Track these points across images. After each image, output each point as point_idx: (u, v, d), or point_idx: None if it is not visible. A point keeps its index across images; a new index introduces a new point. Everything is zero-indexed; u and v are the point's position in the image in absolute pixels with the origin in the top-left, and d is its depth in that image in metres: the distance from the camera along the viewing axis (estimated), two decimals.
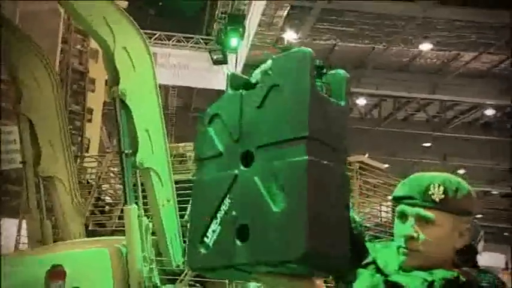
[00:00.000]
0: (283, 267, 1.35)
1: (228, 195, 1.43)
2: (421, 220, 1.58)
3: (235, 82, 1.55)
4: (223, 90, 15.21)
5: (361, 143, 17.16)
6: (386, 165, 7.21)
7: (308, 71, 1.42)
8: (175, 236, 5.39)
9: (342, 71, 1.55)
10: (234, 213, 1.40)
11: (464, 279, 1.53)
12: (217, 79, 14.93)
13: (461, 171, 21.38)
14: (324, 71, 1.51)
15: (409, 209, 1.61)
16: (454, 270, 1.56)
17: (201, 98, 18.57)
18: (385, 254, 1.67)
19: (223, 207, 1.43)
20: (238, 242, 1.37)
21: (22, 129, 6.09)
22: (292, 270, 1.36)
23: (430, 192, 1.57)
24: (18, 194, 6.83)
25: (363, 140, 18.26)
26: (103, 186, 7.19)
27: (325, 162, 1.39)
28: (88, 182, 7.30)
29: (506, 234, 29.81)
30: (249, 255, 1.36)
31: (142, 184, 5.36)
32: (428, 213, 1.57)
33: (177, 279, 5.29)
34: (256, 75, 1.53)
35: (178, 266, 5.35)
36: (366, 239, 1.79)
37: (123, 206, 5.48)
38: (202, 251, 1.44)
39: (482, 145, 20.50)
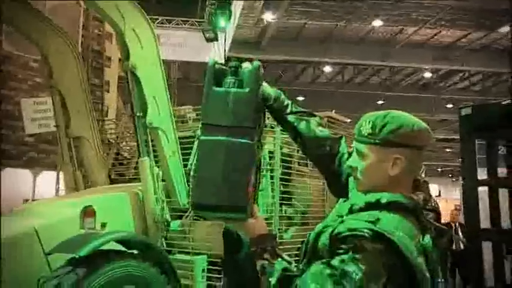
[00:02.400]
0: (219, 213, 1.55)
1: None
2: (358, 152, 1.53)
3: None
4: None
5: (328, 102, 17.19)
6: (349, 120, 7.21)
7: (207, 76, 1.60)
8: (181, 181, 5.40)
9: (255, 63, 1.64)
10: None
11: (386, 200, 1.44)
12: (209, 54, 14.74)
13: None
14: (238, 69, 1.63)
15: (353, 144, 1.56)
16: (385, 193, 1.45)
17: (197, 70, 18.38)
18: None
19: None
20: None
21: (54, 99, 6.03)
22: (223, 216, 1.56)
23: (361, 128, 1.51)
24: (54, 152, 6.81)
25: (330, 100, 18.31)
26: (121, 143, 7.16)
27: (218, 137, 1.52)
28: (109, 141, 7.25)
29: (438, 169, 30.51)
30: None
31: (152, 140, 5.34)
32: (360, 146, 1.52)
33: (183, 215, 5.34)
34: None
35: (184, 205, 5.38)
36: None
37: (138, 159, 5.49)
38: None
39: (422, 101, 20.64)
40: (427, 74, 19.00)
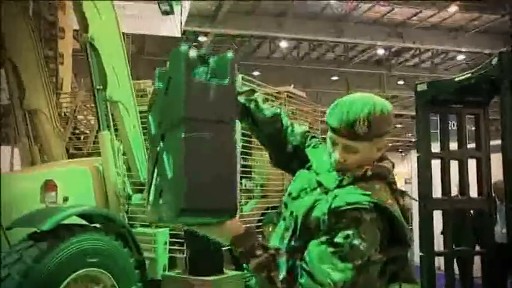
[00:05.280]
0: (207, 218, 1.41)
1: (155, 166, 1.48)
2: (348, 148, 1.52)
3: (161, 76, 1.55)
4: (170, 37, 14.47)
5: (284, 77, 17.30)
6: (305, 95, 7.35)
7: (182, 66, 1.44)
8: (141, 154, 5.38)
9: (228, 55, 1.53)
10: (158, 180, 1.45)
11: (371, 173, 1.52)
12: (165, 27, 14.40)
13: None
14: (208, 58, 1.51)
15: (338, 139, 1.53)
16: (365, 167, 1.53)
17: (152, 43, 18.03)
18: (319, 158, 1.67)
19: (155, 176, 1.48)
20: (160, 203, 1.43)
21: (7, 71, 5.80)
22: (208, 221, 1.42)
23: (356, 128, 1.47)
24: (8, 125, 6.58)
25: (286, 75, 18.42)
26: (78, 117, 6.99)
27: (203, 134, 1.39)
28: (65, 114, 7.07)
29: (389, 144, 31.56)
30: (160, 214, 1.43)
31: (112, 114, 5.27)
32: (354, 145, 1.51)
33: (144, 189, 5.33)
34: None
35: (145, 178, 5.35)
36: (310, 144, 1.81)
37: (97, 132, 5.41)
38: (148, 208, 1.49)
39: (374, 77, 21.12)
40: (380, 51, 19.39)
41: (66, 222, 3.99)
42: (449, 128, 4.45)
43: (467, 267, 4.94)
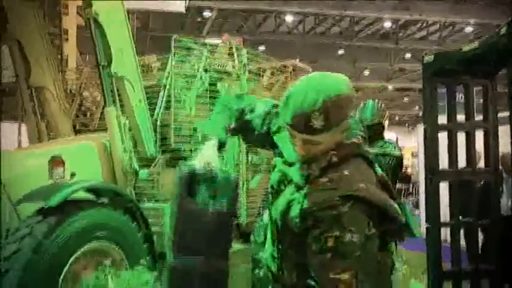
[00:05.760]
0: None
1: None
2: (308, 142, 1.45)
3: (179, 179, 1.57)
4: (175, 12, 14.35)
5: (290, 52, 17.12)
6: (311, 69, 7.31)
7: (179, 188, 1.43)
8: (147, 130, 5.37)
9: (232, 178, 1.53)
10: None
11: (336, 159, 1.45)
12: (170, 2, 14.29)
13: (366, 72, 21.87)
14: (213, 176, 1.49)
15: (296, 134, 1.45)
16: (331, 153, 1.46)
17: (156, 19, 17.85)
18: (287, 145, 1.60)
19: None
20: None
21: (12, 49, 5.79)
22: None
23: (311, 123, 1.38)
24: (14, 103, 6.60)
25: (291, 50, 18.23)
26: (84, 94, 6.97)
27: (192, 265, 1.37)
28: (70, 91, 7.06)
29: (396, 118, 31.36)
30: None
31: (117, 89, 5.25)
32: (314, 138, 1.43)
33: (151, 164, 5.35)
34: None
35: (151, 154, 5.38)
36: None
37: (103, 108, 5.40)
38: None
39: (381, 51, 20.86)
40: (387, 24, 19.10)
41: (74, 197, 4.02)
42: (457, 100, 4.39)
43: (473, 239, 4.94)
